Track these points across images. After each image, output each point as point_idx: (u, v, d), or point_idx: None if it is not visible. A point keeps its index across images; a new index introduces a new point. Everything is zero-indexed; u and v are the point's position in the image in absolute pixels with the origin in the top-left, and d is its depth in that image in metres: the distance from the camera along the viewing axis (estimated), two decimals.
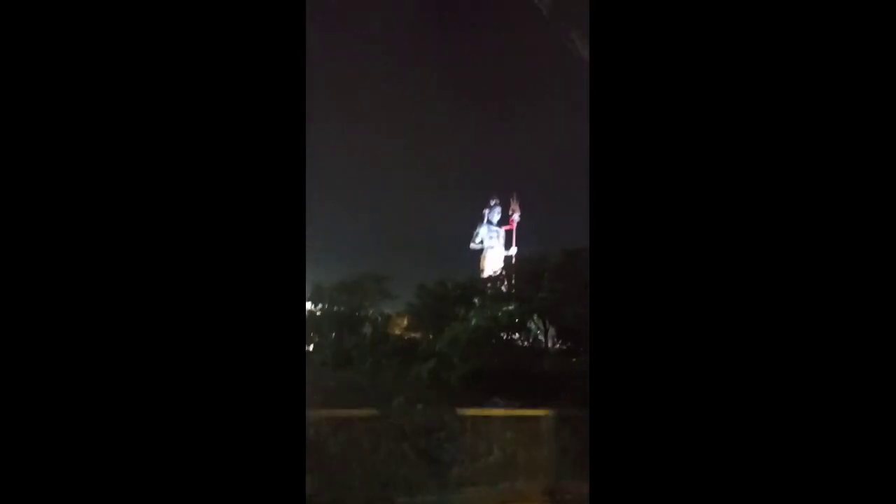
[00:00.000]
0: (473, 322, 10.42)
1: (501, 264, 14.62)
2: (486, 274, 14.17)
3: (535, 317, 10.24)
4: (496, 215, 16.27)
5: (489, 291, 12.29)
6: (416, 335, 12.93)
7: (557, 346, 10.45)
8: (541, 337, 10.32)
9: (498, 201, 16.29)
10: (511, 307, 10.35)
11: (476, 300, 11.94)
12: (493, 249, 15.83)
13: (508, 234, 16.07)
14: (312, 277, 14.62)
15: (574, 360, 9.96)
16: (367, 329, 14.79)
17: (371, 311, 15.13)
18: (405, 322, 14.18)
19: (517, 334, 10.68)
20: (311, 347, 14.90)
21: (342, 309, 15.34)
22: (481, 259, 15.80)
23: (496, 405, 7.62)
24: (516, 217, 15.88)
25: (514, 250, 15.68)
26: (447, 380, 9.46)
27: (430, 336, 11.52)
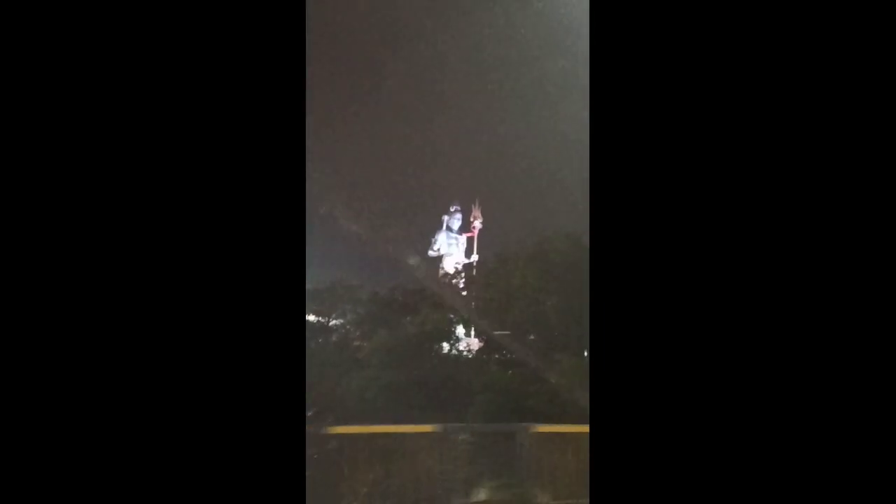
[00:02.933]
0: (405, 331, 10.22)
1: (455, 272, 14.37)
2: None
3: (461, 326, 10.02)
4: (456, 222, 16.02)
5: (433, 300, 12.03)
6: (361, 344, 12.72)
7: (483, 355, 10.20)
8: (467, 346, 10.09)
9: (459, 208, 16.04)
10: (437, 316, 10.12)
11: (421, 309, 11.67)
12: (452, 257, 15.57)
13: (469, 241, 15.80)
14: None
15: (510, 371, 9.72)
16: (333, 338, 14.67)
17: (334, 321, 14.97)
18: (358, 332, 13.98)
19: (444, 344, 10.45)
20: None
21: (308, 317, 15.24)
22: (439, 267, 15.55)
23: None
24: (478, 224, 15.61)
25: (475, 258, 15.40)
26: (367, 390, 9.27)
27: (365, 345, 11.35)
